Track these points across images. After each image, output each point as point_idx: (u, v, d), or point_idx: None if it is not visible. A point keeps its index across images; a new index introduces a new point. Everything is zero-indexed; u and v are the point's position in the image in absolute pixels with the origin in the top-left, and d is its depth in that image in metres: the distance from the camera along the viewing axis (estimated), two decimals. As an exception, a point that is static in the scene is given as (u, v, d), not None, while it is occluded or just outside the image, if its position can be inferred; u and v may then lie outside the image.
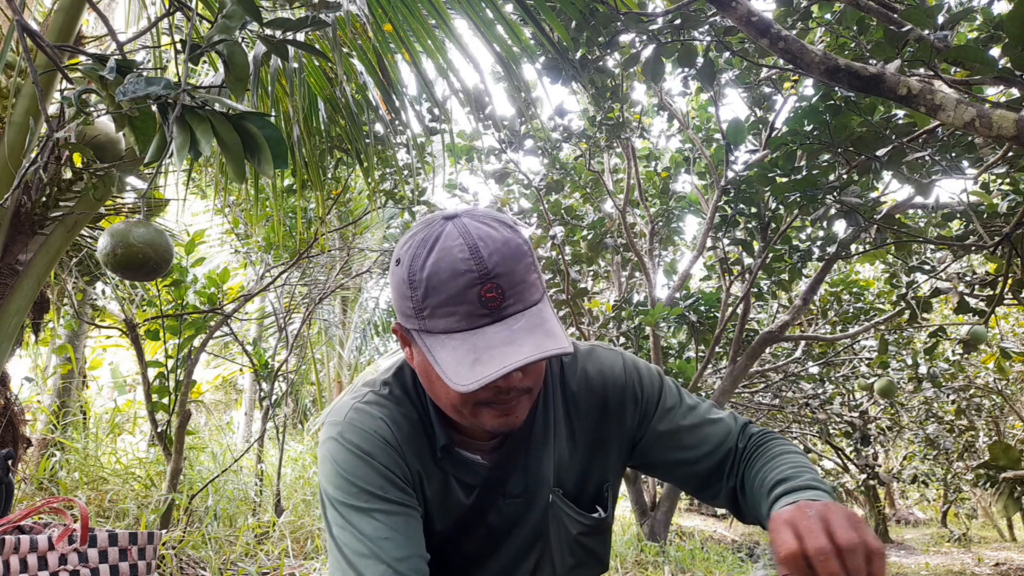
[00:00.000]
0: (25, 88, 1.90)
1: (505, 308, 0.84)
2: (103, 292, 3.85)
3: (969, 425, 8.50)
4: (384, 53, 2.56)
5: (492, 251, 0.84)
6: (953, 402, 8.11)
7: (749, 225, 4.68)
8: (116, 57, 1.28)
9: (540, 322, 0.85)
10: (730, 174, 4.64)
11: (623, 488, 5.62)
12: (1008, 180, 3.38)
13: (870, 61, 2.45)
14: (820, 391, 7.50)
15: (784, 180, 3.52)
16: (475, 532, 1.05)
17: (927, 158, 2.85)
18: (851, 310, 6.04)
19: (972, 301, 4.04)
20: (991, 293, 3.86)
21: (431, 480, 1.01)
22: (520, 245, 0.87)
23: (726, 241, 5.04)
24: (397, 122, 3.07)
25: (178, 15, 2.25)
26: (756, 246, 4.77)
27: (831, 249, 4.23)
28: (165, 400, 3.18)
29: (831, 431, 8.58)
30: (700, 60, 2.85)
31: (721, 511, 13.23)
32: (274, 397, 4.26)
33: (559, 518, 1.05)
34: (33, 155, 1.71)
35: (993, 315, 3.86)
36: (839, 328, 6.20)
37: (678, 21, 2.64)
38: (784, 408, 8.18)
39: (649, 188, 6.20)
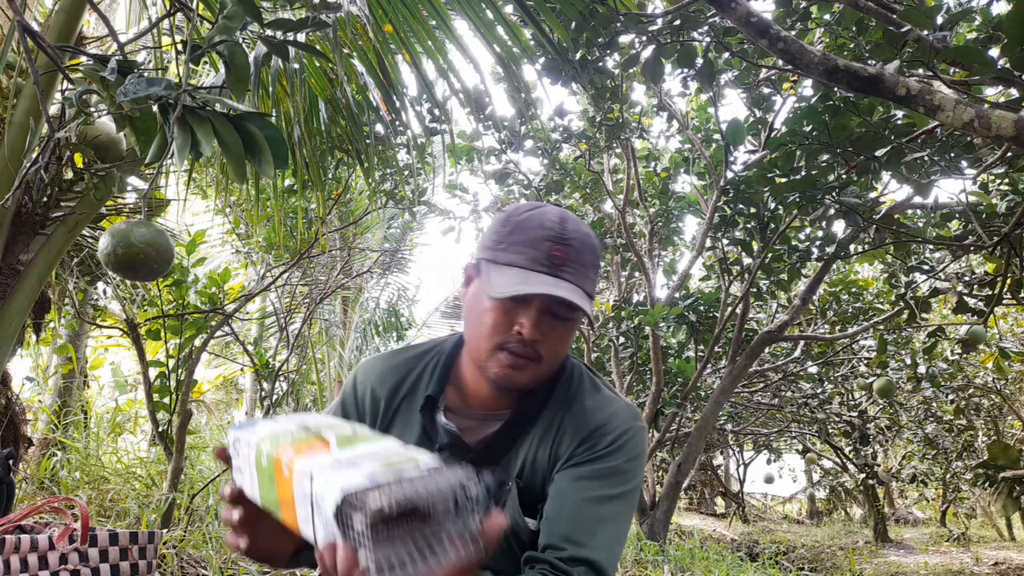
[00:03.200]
0: (26, 88, 1.90)
1: (562, 270, 0.99)
2: (104, 292, 3.85)
3: (968, 425, 8.50)
4: (385, 54, 2.57)
5: (575, 230, 1.02)
6: (952, 402, 8.11)
7: (748, 225, 4.69)
8: (117, 58, 1.29)
9: (580, 293, 0.99)
10: (729, 174, 4.65)
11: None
12: (1007, 180, 3.39)
13: (869, 62, 2.46)
14: (819, 391, 7.51)
15: (783, 180, 3.52)
16: None
17: (926, 158, 2.85)
18: (850, 310, 6.05)
19: (971, 301, 4.04)
20: (990, 293, 3.86)
21: (400, 422, 1.12)
22: (596, 247, 1.05)
23: (725, 241, 5.05)
24: (397, 123, 3.08)
25: (179, 16, 2.26)
26: (755, 246, 4.78)
27: (830, 249, 4.24)
28: (166, 400, 3.18)
29: (830, 431, 8.59)
30: (699, 61, 2.86)
31: (720, 510, 13.25)
32: (275, 397, 4.26)
33: (506, 509, 1.06)
34: (34, 155, 1.72)
35: (992, 315, 3.86)
36: (838, 328, 6.21)
37: (678, 22, 2.65)
38: (783, 408, 8.19)
39: (649, 188, 6.21)
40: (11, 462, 1.88)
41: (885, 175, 3.68)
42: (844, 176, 3.30)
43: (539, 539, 1.01)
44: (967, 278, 4.28)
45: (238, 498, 0.79)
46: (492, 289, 0.97)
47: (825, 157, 3.20)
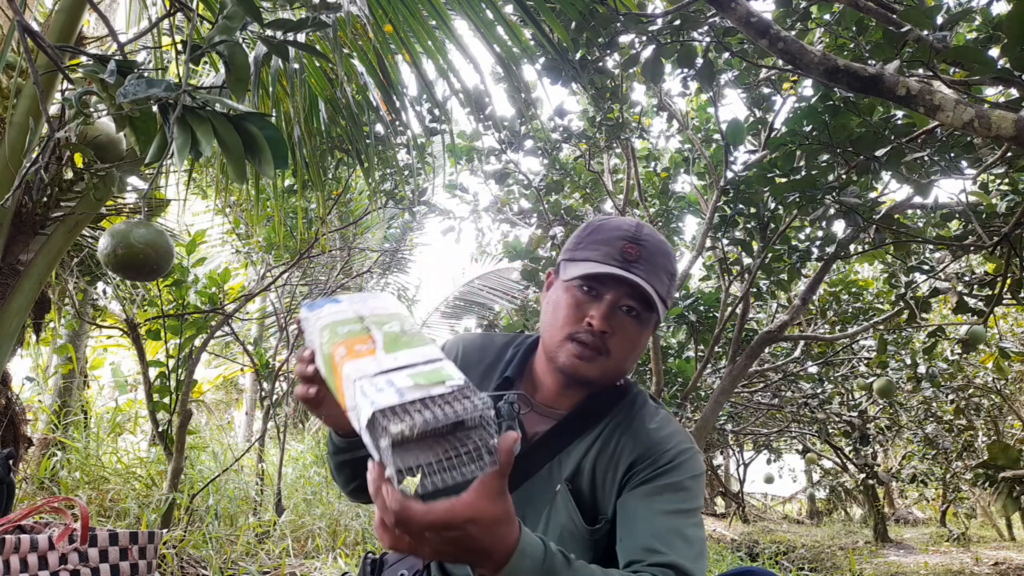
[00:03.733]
0: (26, 89, 1.90)
1: (633, 265, 1.05)
2: (104, 292, 3.85)
3: (968, 425, 8.50)
4: (384, 54, 2.57)
5: (650, 235, 1.09)
6: (952, 402, 8.11)
7: (748, 225, 4.68)
8: (117, 58, 1.29)
9: (647, 290, 1.04)
10: (729, 174, 4.64)
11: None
12: (1007, 180, 3.38)
13: (869, 62, 2.46)
14: (819, 391, 7.50)
15: (783, 180, 3.52)
16: None
17: (926, 158, 2.85)
18: (850, 310, 6.05)
19: (971, 301, 4.04)
20: (990, 293, 3.86)
21: None
22: (671, 255, 1.10)
23: (725, 241, 5.04)
24: (397, 123, 3.08)
25: (179, 16, 2.26)
26: (755, 246, 4.77)
27: (830, 249, 4.23)
28: (166, 400, 3.18)
29: (830, 431, 8.58)
30: (699, 61, 2.85)
31: (720, 510, 13.24)
32: (275, 397, 4.27)
33: (557, 508, 1.08)
34: (34, 155, 1.72)
35: (992, 315, 3.86)
36: (838, 328, 6.21)
37: (678, 22, 2.64)
38: (783, 408, 8.18)
39: (648, 188, 6.20)
40: (11, 462, 1.88)
41: (885, 175, 3.68)
42: (844, 176, 3.30)
43: (619, 560, 1.01)
44: (967, 278, 4.28)
45: (312, 359, 0.87)
46: (566, 273, 1.07)
47: (825, 157, 3.19)
